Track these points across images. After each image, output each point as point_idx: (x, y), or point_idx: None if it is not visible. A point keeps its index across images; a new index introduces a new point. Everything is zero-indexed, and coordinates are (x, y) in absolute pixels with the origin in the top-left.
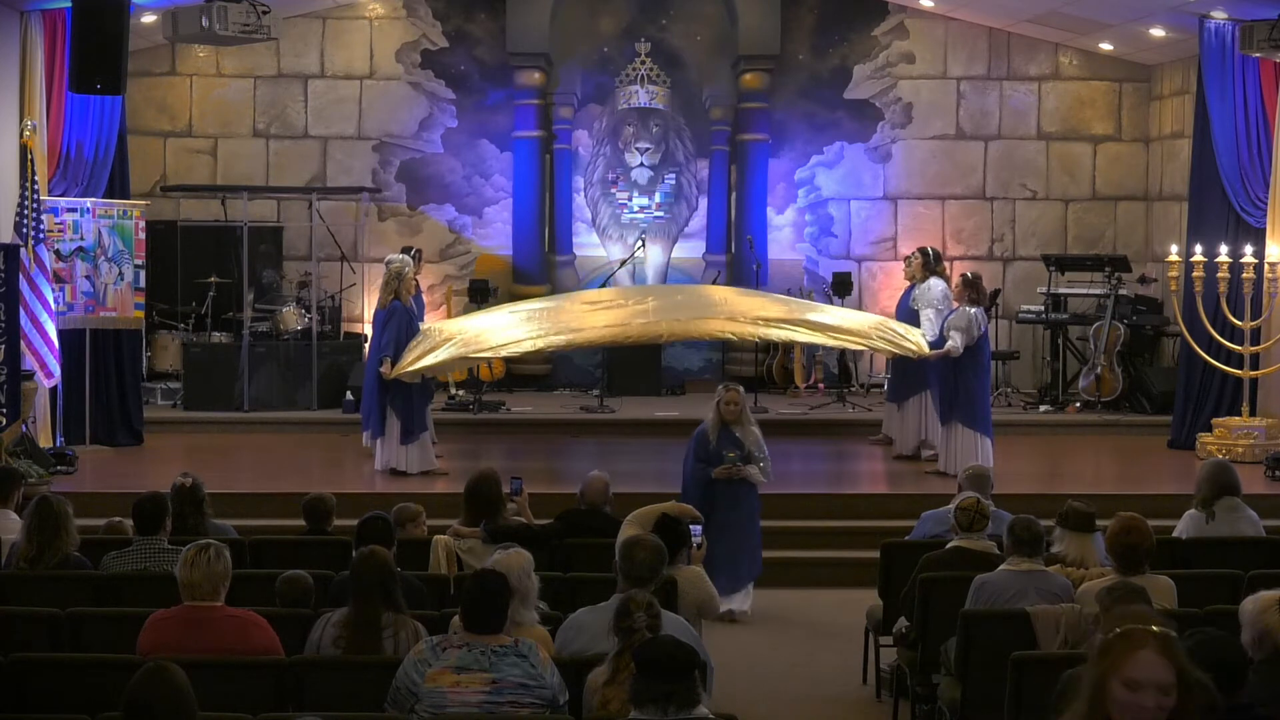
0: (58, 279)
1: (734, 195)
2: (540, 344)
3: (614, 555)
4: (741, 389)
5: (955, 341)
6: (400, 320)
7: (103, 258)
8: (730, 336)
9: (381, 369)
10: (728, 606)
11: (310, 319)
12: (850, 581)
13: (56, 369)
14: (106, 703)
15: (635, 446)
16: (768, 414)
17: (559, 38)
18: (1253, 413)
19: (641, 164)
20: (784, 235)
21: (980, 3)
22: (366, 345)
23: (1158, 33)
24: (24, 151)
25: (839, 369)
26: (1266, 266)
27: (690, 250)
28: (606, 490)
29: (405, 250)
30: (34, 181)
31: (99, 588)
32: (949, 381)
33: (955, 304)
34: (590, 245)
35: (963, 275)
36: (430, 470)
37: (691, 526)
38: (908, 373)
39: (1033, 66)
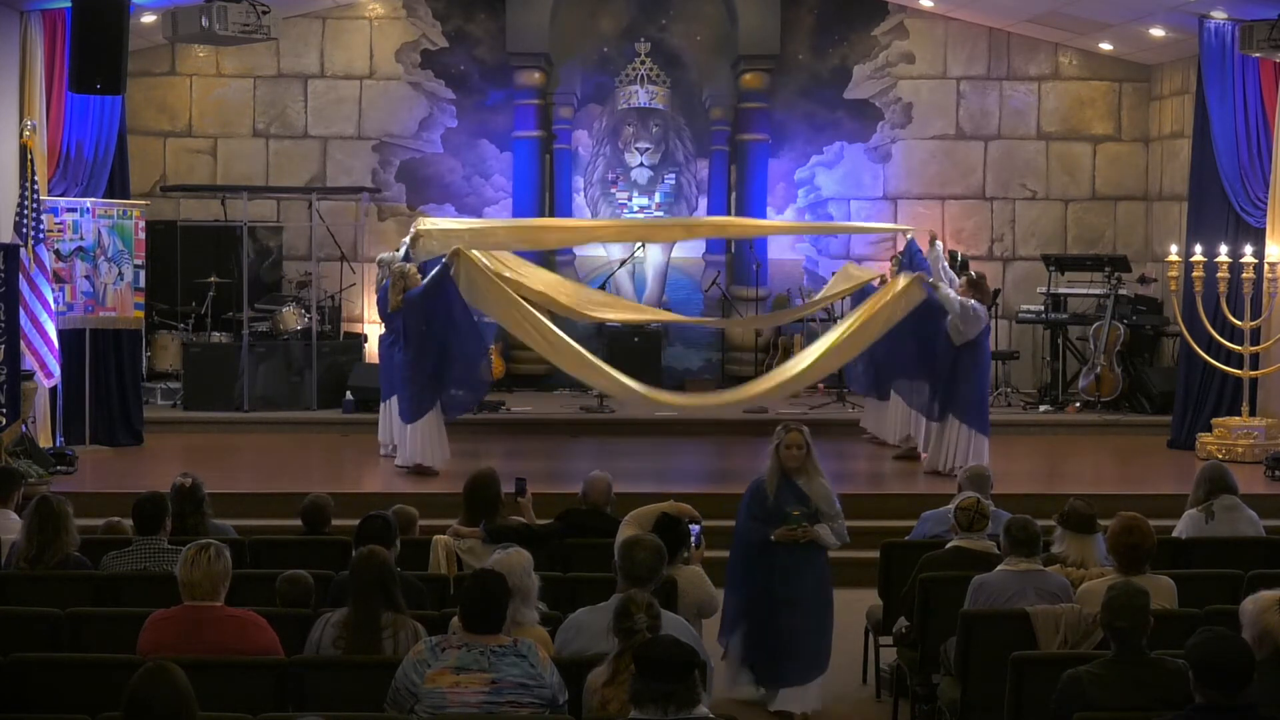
0: (58, 279)
1: (734, 195)
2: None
3: (614, 555)
4: (806, 429)
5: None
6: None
7: (103, 258)
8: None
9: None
10: (786, 707)
11: (310, 319)
12: (850, 581)
13: (56, 369)
14: (106, 703)
15: (635, 446)
16: (767, 414)
17: (559, 38)
18: (1253, 413)
19: (641, 164)
20: (784, 235)
21: (980, 3)
22: (368, 344)
23: (1158, 33)
24: (24, 151)
25: (839, 369)
26: (1266, 266)
27: (690, 250)
28: (608, 490)
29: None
30: (34, 181)
31: (99, 588)
32: (947, 377)
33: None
34: (590, 245)
35: (967, 275)
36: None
37: (691, 526)
38: (886, 362)
39: (1033, 66)
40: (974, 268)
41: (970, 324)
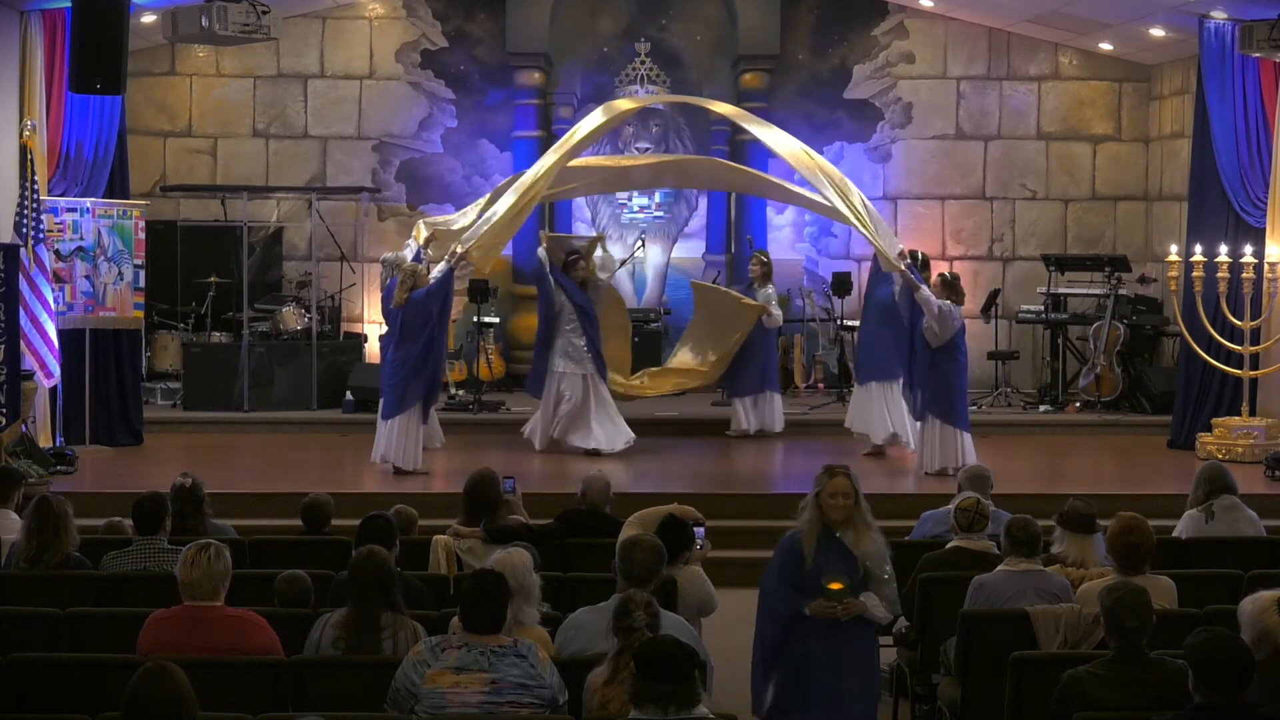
0: (58, 279)
1: (733, 195)
2: None
3: (614, 555)
4: (853, 472)
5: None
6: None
7: (102, 258)
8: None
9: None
10: None
11: (310, 319)
12: None
13: (56, 369)
14: (106, 703)
15: (635, 446)
16: None
17: (559, 38)
18: (1253, 413)
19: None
20: (784, 235)
21: (980, 3)
22: (368, 344)
23: (1158, 33)
24: (24, 151)
25: (839, 368)
26: (1266, 266)
27: (690, 250)
28: (607, 490)
29: None
30: (34, 181)
31: (99, 588)
32: (926, 377)
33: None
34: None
35: (940, 275)
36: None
37: (695, 529)
38: (864, 362)
39: (1032, 66)
40: (948, 268)
41: (945, 326)
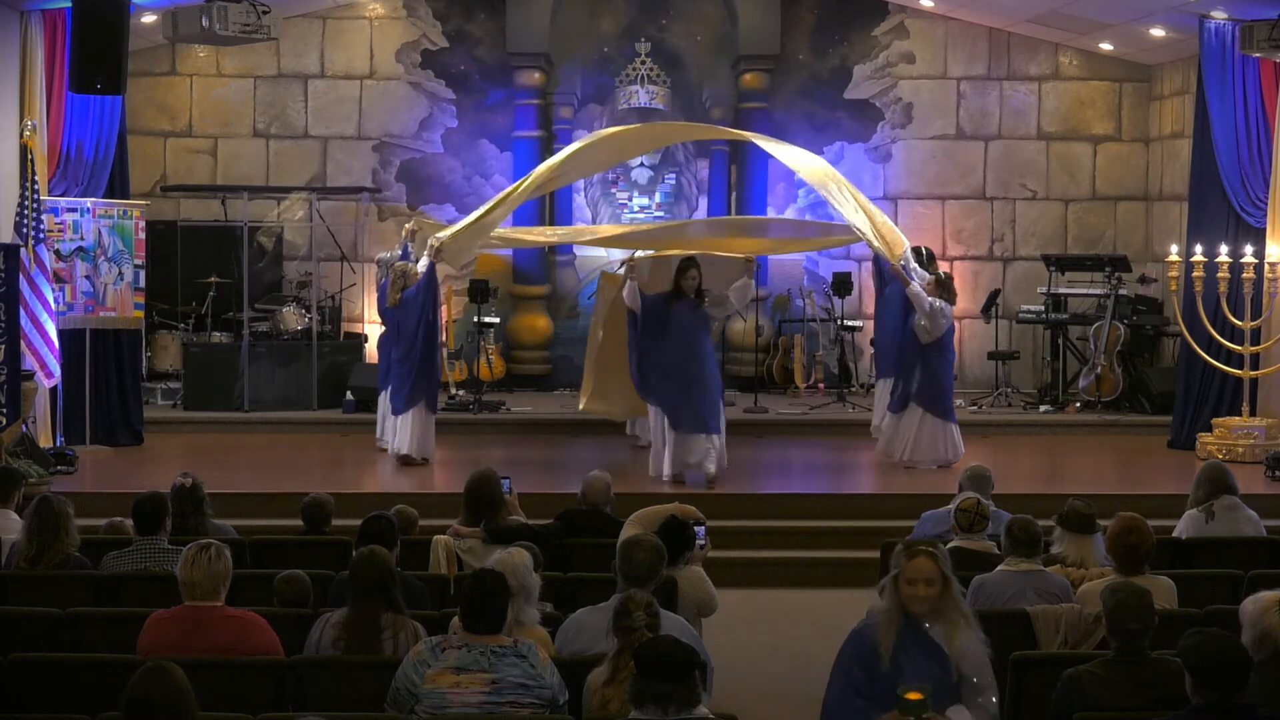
0: (58, 279)
1: (734, 195)
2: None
3: (614, 555)
4: (940, 550)
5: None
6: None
7: (103, 258)
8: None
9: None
10: None
11: (310, 319)
12: (850, 581)
13: (56, 369)
14: (106, 703)
15: (637, 445)
16: (768, 414)
17: (559, 38)
18: (1253, 413)
19: (641, 164)
20: None
21: (980, 3)
22: (368, 344)
23: (1158, 33)
24: (24, 151)
25: (839, 369)
26: (1266, 266)
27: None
28: (608, 490)
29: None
30: (34, 181)
31: (99, 588)
32: (915, 371)
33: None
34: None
35: (935, 275)
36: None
37: (696, 528)
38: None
39: (1033, 66)
40: (948, 268)
41: (936, 324)
